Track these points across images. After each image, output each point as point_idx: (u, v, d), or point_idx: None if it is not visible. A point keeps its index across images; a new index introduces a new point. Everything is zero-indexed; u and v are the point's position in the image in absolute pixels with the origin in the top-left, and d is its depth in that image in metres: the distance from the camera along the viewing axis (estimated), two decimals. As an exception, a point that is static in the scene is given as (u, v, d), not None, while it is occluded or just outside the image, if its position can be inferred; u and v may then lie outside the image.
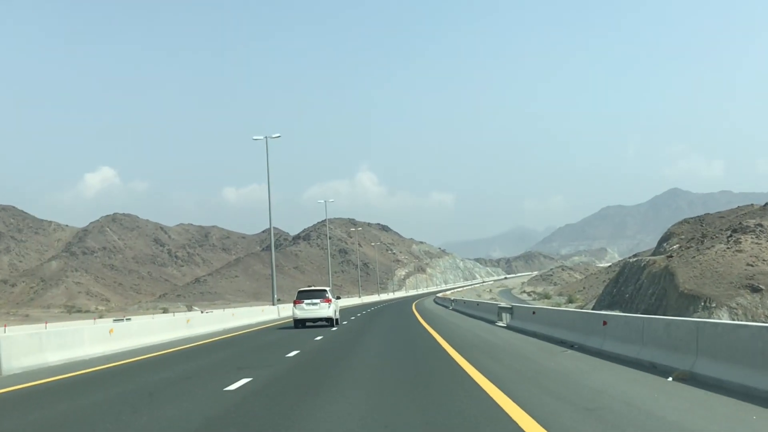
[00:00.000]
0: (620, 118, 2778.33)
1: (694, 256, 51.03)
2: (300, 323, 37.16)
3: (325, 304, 37.53)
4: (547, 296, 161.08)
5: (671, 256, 56.28)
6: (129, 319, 61.99)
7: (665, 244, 71.62)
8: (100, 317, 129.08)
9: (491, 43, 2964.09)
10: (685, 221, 78.56)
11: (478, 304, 46.58)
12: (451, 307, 60.41)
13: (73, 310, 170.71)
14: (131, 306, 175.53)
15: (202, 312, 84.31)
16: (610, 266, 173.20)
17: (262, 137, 60.99)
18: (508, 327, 30.47)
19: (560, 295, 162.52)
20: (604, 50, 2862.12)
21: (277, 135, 61.84)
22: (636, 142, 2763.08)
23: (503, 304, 35.42)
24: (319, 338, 27.56)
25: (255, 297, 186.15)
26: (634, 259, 70.72)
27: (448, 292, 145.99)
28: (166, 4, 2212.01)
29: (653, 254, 76.23)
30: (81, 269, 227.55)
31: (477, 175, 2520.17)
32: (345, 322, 40.13)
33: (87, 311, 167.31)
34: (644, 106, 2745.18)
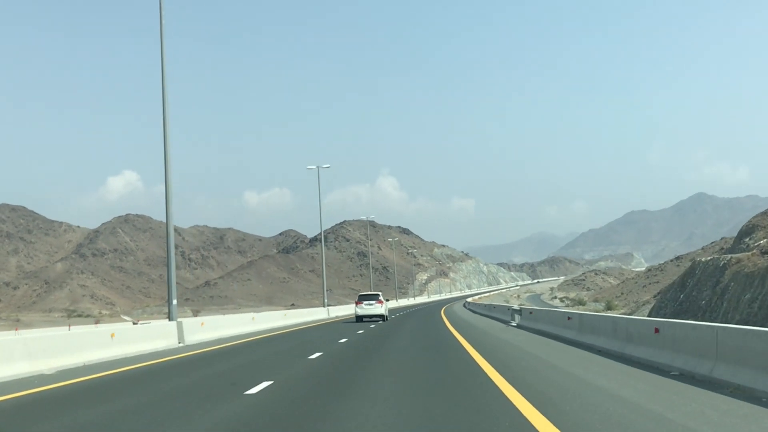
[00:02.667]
0: (645, 123, 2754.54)
1: (811, 251, 39.17)
2: (359, 318, 49.91)
3: (378, 305, 50.15)
4: (581, 302, 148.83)
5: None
6: None
7: (747, 239, 59.64)
8: (97, 323, 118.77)
9: (513, 50, 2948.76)
10: (769, 212, 66.48)
11: (656, 329, 16.09)
12: (514, 322, 36.96)
13: (73, 315, 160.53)
14: (136, 310, 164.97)
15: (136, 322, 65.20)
16: (649, 270, 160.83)
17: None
18: None
19: (596, 301, 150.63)
20: (629, 55, 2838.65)
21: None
22: (661, 147, 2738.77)
23: None
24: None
25: (268, 302, 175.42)
26: (708, 258, 58.63)
27: (476, 297, 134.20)
28: (190, 9, 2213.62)
29: (730, 251, 64.09)
30: (87, 271, 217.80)
31: (498, 180, 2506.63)
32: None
33: (88, 315, 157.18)
34: (669, 111, 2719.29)
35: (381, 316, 50.14)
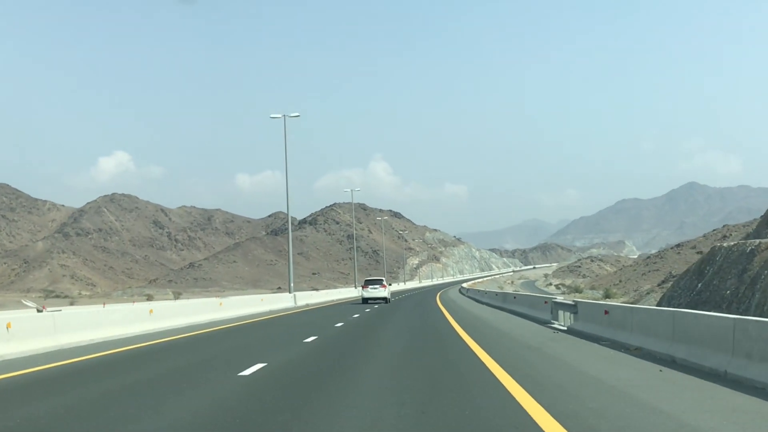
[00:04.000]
0: (637, 113, 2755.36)
1: None
2: (365, 300, 55.06)
3: (382, 289, 55.95)
4: (577, 290, 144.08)
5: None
6: None
7: (777, 224, 54.34)
8: (71, 304, 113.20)
9: (506, 37, 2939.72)
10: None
11: None
12: (560, 324, 24.54)
13: (51, 295, 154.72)
14: (117, 291, 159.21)
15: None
16: (648, 257, 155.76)
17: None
18: None
19: (593, 288, 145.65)
20: (622, 45, 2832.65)
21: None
22: (653, 137, 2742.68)
23: None
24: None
25: (254, 284, 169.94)
26: (731, 243, 53.37)
27: (470, 283, 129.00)
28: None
29: (750, 237, 58.85)
30: (68, 251, 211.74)
31: (490, 167, 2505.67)
32: None
33: (66, 296, 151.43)
34: (662, 101, 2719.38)
35: (384, 299, 56.29)
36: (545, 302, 28.38)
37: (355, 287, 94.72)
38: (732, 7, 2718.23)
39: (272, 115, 60.56)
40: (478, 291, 65.07)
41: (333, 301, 67.47)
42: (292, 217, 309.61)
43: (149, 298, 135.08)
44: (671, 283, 70.00)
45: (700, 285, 56.43)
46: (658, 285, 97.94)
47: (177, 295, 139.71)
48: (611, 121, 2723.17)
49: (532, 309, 31.17)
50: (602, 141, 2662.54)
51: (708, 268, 56.51)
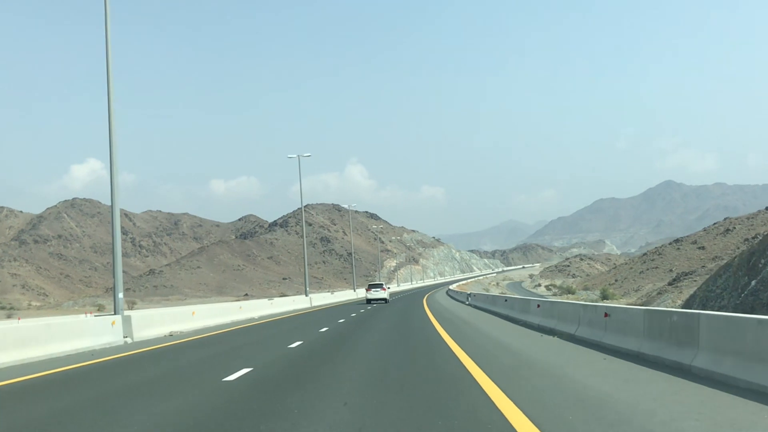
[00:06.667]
0: (612, 113, 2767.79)
1: None
2: (369, 301, 65.76)
3: (383, 291, 67.60)
4: (570, 290, 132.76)
5: None
6: None
7: None
8: (8, 317, 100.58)
9: (481, 39, 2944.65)
10: None
11: None
12: None
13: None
14: (68, 302, 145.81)
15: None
16: (645, 254, 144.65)
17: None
18: None
19: (586, 289, 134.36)
20: (596, 44, 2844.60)
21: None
22: (629, 136, 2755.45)
23: None
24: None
25: (219, 291, 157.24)
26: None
27: (458, 284, 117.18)
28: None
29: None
30: (21, 259, 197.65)
31: (467, 168, 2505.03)
32: None
33: (12, 308, 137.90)
34: (636, 100, 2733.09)
35: (383, 299, 65.38)
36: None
37: (306, 295, 69.35)
38: (707, 6, 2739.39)
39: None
40: (506, 301, 35.04)
41: (254, 320, 39.00)
42: (263, 220, 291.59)
43: (100, 308, 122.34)
44: (704, 280, 58.64)
45: (754, 283, 44.97)
46: (669, 284, 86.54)
47: (131, 305, 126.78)
48: (587, 121, 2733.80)
49: None
50: (578, 141, 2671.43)
51: (763, 260, 45.31)
